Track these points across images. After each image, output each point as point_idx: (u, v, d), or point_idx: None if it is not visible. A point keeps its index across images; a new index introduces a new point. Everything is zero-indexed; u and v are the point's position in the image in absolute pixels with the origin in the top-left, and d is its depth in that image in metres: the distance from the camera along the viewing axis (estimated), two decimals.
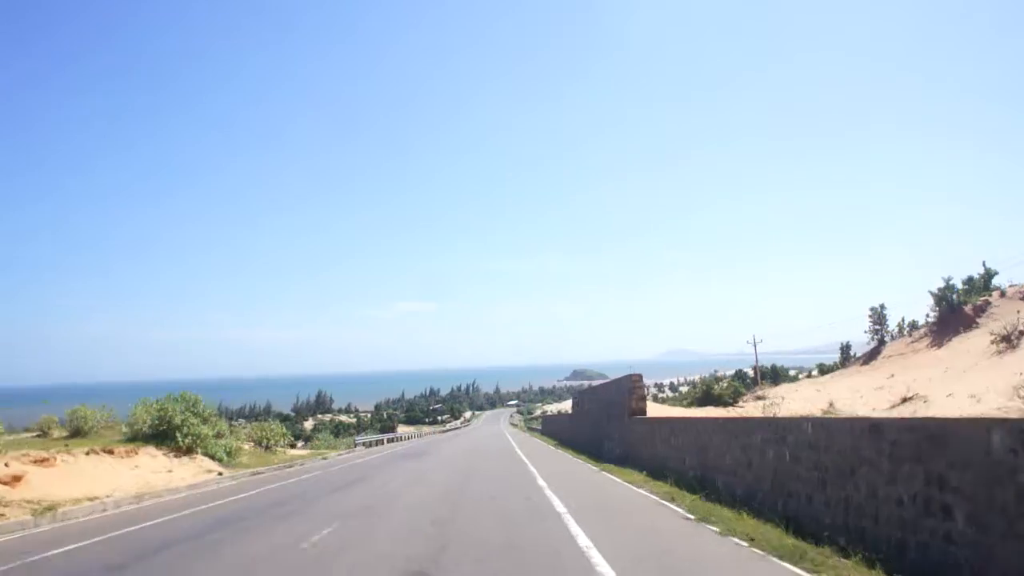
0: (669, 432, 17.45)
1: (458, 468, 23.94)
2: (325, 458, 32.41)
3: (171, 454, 23.22)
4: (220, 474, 22.44)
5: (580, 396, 37.99)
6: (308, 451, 38.70)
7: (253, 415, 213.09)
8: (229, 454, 26.08)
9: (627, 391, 23.85)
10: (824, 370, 57.01)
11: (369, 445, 46.88)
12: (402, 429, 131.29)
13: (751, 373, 76.31)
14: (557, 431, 48.69)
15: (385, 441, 56.25)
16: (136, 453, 22.14)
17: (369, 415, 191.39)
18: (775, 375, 78.43)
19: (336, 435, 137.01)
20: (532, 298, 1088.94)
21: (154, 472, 21.13)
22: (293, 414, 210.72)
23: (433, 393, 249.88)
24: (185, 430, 23.80)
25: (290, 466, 27.53)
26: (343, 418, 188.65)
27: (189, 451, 23.78)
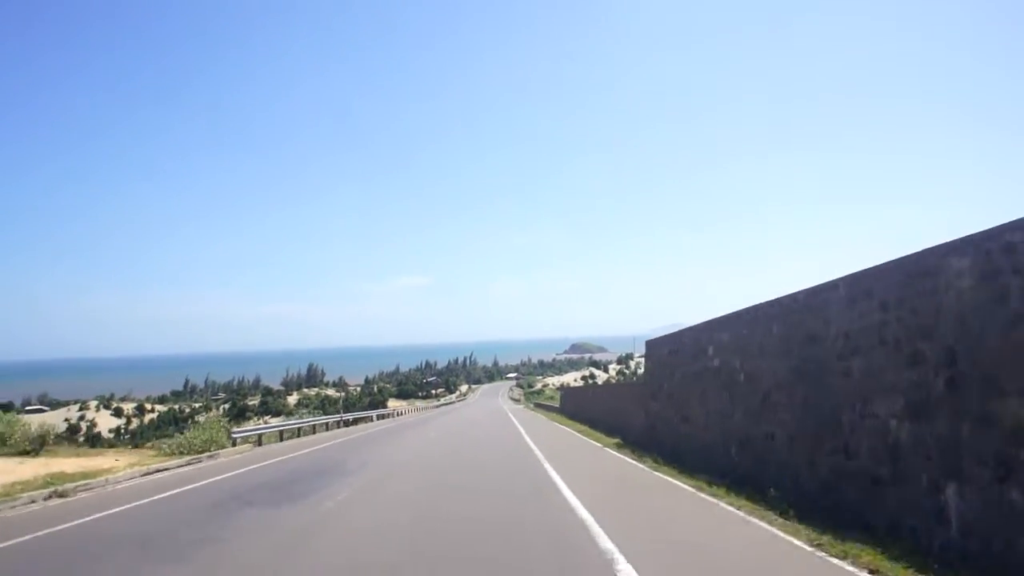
0: None
1: None
2: (63, 495, 12.17)
3: None
4: None
5: (720, 328, 13.28)
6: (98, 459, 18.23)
7: (239, 390, 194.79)
8: None
9: None
10: None
11: (289, 435, 26.78)
12: (393, 404, 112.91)
13: None
14: (602, 417, 28.48)
15: (338, 424, 36.19)
16: None
17: (359, 389, 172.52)
18: None
19: (323, 410, 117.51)
20: (530, 272, 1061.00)
21: None
22: (282, 388, 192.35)
23: (429, 366, 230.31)
24: None
25: None
26: (331, 392, 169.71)
27: None
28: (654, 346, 18.86)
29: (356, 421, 43.40)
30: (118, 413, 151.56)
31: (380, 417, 51.25)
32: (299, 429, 28.87)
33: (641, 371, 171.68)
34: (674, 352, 16.58)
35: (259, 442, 24.12)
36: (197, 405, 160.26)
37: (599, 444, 18.81)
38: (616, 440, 19.10)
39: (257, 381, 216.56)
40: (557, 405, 56.10)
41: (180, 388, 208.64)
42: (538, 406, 71.05)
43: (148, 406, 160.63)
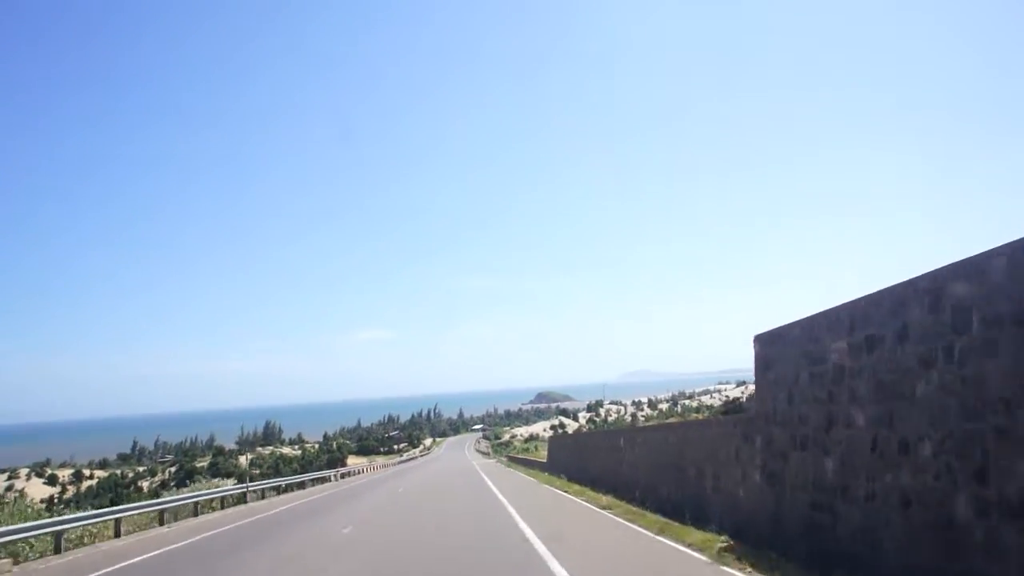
0: None
1: None
2: None
3: None
4: None
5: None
6: None
7: (190, 451, 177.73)
8: None
9: None
10: None
11: (150, 520, 16.21)
12: (353, 461, 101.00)
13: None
14: (635, 480, 18.23)
15: (242, 497, 25.37)
16: None
17: (317, 446, 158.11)
18: None
19: (277, 470, 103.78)
20: (493, 322, 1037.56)
21: None
22: (236, 447, 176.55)
23: (391, 420, 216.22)
24: None
25: None
26: (286, 450, 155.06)
27: None
28: (786, 341, 9.00)
29: (291, 487, 32.70)
30: (52, 481, 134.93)
31: (335, 477, 45.24)
32: (162, 513, 18.07)
33: (612, 419, 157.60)
34: (891, 338, 6.78)
35: (57, 548, 13.48)
36: (142, 469, 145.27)
37: (700, 554, 8.57)
38: (722, 540, 8.95)
39: (211, 440, 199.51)
40: (539, 459, 45.48)
41: (128, 451, 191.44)
42: (513, 460, 60.01)
43: (88, 472, 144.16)
